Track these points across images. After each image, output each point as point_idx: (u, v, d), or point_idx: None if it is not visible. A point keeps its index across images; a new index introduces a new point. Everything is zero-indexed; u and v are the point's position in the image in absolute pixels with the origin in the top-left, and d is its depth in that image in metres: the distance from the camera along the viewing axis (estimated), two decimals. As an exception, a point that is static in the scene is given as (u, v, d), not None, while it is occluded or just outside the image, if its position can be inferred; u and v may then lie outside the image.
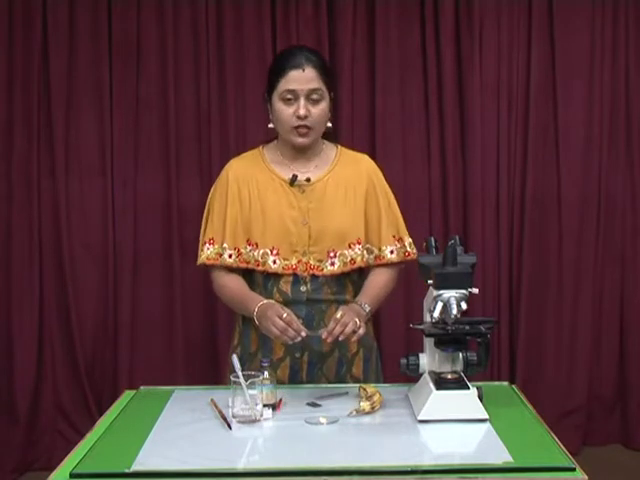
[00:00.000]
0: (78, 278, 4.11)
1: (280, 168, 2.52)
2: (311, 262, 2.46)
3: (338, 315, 2.25)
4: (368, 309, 2.41)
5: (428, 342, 2.21)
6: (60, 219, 4.07)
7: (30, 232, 4.07)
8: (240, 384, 2.09)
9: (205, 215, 2.55)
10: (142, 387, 2.48)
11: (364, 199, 2.52)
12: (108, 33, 4.01)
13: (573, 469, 1.80)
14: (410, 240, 2.57)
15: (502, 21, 4.13)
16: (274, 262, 2.45)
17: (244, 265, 2.47)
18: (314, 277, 2.45)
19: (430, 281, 2.18)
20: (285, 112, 2.41)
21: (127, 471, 1.80)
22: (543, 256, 4.27)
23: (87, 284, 4.14)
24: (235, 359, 2.18)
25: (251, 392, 2.09)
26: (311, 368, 2.49)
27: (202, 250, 2.50)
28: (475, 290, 2.17)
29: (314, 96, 2.41)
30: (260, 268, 2.46)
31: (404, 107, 4.14)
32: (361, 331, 2.27)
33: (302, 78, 2.38)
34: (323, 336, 2.23)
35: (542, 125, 4.20)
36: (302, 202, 2.47)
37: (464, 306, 2.12)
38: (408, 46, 4.12)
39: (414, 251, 2.55)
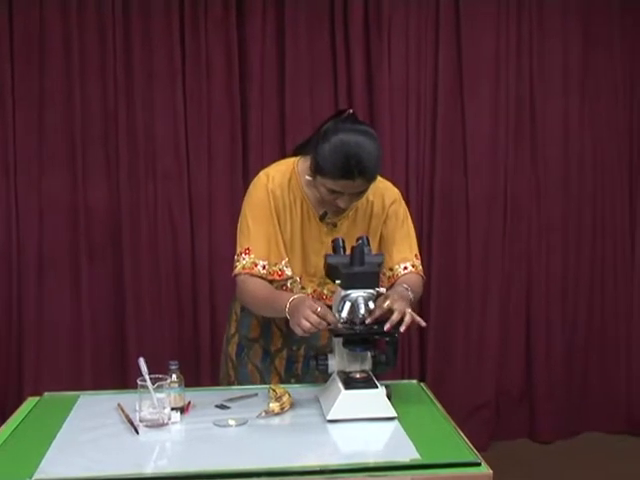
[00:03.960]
0: (-20, 283, 3.98)
1: (313, 194, 2.46)
2: (325, 292, 2.53)
3: (395, 306, 2.17)
4: (412, 295, 2.39)
5: (337, 342, 2.22)
6: (-40, 222, 3.93)
7: None
8: (147, 387, 2.06)
9: (241, 222, 2.51)
10: (46, 393, 2.42)
11: (379, 231, 2.57)
12: (9, 30, 3.88)
13: (479, 464, 1.84)
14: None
15: (410, 24, 4.17)
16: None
17: (275, 278, 2.47)
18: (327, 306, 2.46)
19: (338, 281, 2.19)
20: (326, 196, 2.37)
21: (28, 481, 1.75)
22: (451, 255, 4.33)
23: (-10, 289, 4.01)
24: (142, 362, 2.13)
25: (159, 395, 2.07)
26: (307, 361, 2.53)
27: (238, 260, 2.46)
28: (382, 289, 2.20)
29: (360, 193, 2.38)
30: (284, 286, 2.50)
31: (314, 108, 4.12)
32: (408, 318, 2.20)
33: (351, 186, 2.31)
34: (386, 328, 2.13)
35: (450, 126, 4.26)
36: (327, 237, 2.48)
37: (372, 305, 2.14)
38: (318, 48, 4.12)
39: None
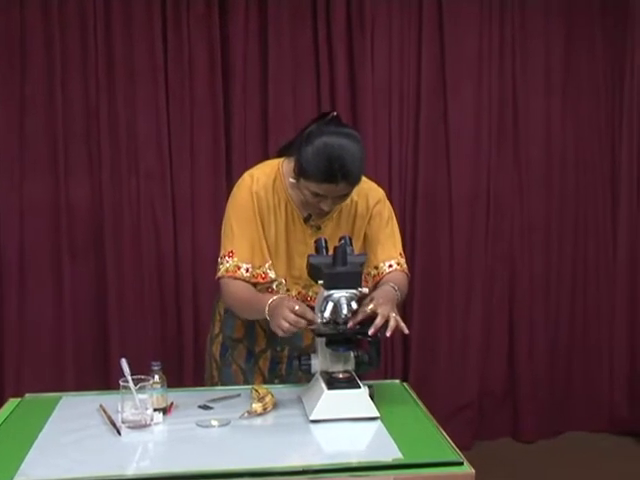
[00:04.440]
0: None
1: (297, 196, 2.45)
2: (310, 294, 2.52)
3: (379, 310, 2.15)
4: (399, 294, 2.39)
5: (320, 342, 2.21)
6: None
7: None
8: (129, 388, 2.05)
9: (225, 224, 2.49)
10: (27, 394, 2.41)
11: (364, 232, 2.56)
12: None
13: (461, 463, 1.85)
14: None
15: (393, 21, 4.17)
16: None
17: (259, 281, 2.46)
18: (310, 307, 2.42)
19: (321, 281, 2.18)
20: (310, 199, 2.36)
21: (9, 483, 1.74)
22: (434, 254, 4.34)
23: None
24: (124, 363, 2.12)
25: (141, 396, 2.06)
26: (290, 362, 2.53)
27: (222, 263, 2.45)
28: (365, 289, 2.19)
29: (343, 197, 2.37)
30: (269, 288, 2.49)
31: (296, 107, 4.12)
32: (393, 322, 2.16)
33: (334, 190, 2.30)
34: (370, 332, 2.10)
35: (433, 124, 4.26)
36: (311, 239, 2.44)
37: (354, 305, 2.14)
38: (300, 46, 4.11)
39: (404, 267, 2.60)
